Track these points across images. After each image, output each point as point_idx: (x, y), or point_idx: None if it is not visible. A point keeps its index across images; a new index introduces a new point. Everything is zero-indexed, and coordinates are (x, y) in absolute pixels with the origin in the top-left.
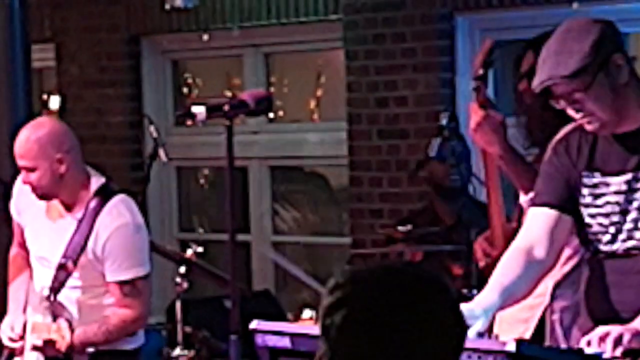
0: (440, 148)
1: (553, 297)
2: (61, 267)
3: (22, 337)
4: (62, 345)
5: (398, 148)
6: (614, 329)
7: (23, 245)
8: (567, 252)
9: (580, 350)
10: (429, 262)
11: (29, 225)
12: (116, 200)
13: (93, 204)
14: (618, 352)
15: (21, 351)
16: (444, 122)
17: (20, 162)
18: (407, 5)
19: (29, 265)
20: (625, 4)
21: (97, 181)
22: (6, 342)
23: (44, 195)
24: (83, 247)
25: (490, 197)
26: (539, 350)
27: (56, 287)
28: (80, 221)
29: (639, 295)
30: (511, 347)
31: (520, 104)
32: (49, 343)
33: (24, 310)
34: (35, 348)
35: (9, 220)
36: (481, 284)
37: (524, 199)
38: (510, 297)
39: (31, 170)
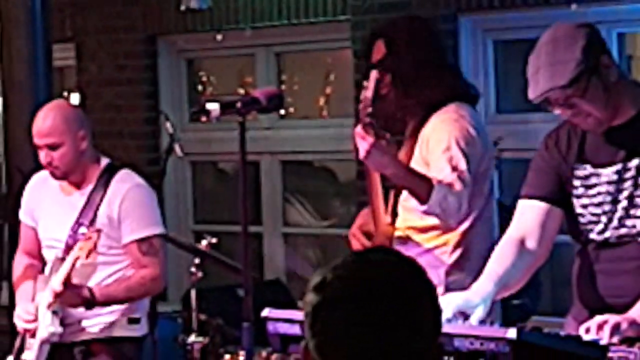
0: None
1: (447, 287)
2: (74, 231)
3: (36, 319)
4: (90, 245)
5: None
6: (612, 318)
7: (30, 253)
8: (455, 239)
9: (579, 337)
10: None
11: (42, 217)
12: (122, 172)
13: (101, 181)
14: (615, 339)
15: (33, 333)
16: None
17: (46, 140)
18: (412, 7)
19: (35, 272)
20: (622, 5)
21: (104, 161)
22: (21, 326)
23: (63, 174)
24: (95, 214)
25: (373, 204)
26: (538, 336)
27: (71, 246)
28: (91, 193)
29: (631, 282)
30: (512, 334)
31: (374, 93)
32: (69, 287)
33: (33, 299)
34: (53, 303)
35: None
36: None
37: (420, 207)
38: (505, 286)
39: (56, 147)
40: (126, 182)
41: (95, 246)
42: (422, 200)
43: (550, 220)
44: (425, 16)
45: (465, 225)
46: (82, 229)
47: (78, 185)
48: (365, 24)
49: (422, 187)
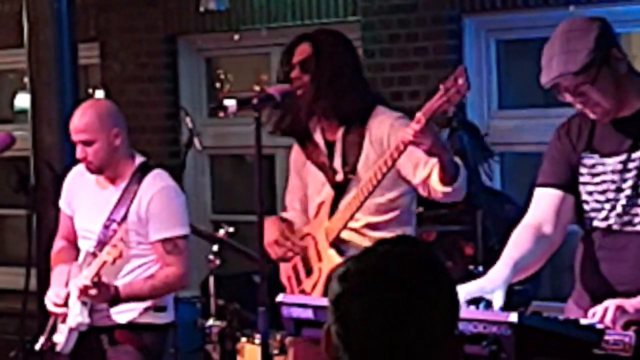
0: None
1: None
2: (107, 227)
3: (65, 304)
4: (116, 254)
5: None
6: (617, 302)
7: (67, 238)
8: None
9: (577, 321)
10: (443, 242)
11: (79, 209)
12: (154, 172)
13: (135, 179)
14: (620, 323)
15: (64, 319)
16: (451, 114)
17: (81, 137)
18: (419, 8)
19: (73, 257)
20: (619, 6)
21: (139, 159)
22: (51, 308)
23: (97, 169)
24: (127, 212)
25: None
26: (538, 320)
27: (102, 242)
28: (124, 190)
29: (633, 270)
30: (513, 318)
31: (292, 92)
32: (98, 285)
33: (66, 285)
34: (82, 295)
35: (58, 204)
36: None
37: (446, 189)
38: (521, 270)
39: (90, 143)
40: (157, 183)
41: (121, 255)
42: (448, 181)
43: (565, 207)
44: (431, 17)
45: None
46: (114, 225)
47: (113, 181)
48: (374, 24)
49: (452, 167)
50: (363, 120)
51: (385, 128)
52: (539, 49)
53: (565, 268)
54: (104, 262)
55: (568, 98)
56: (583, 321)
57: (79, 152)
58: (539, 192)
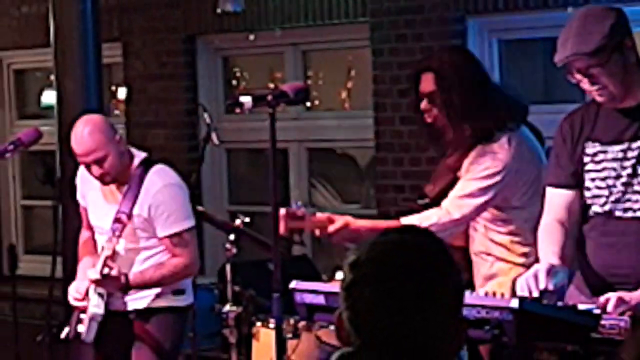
0: None
1: None
2: (117, 220)
3: (84, 298)
4: (110, 249)
5: (417, 132)
6: (619, 294)
7: (90, 228)
8: None
9: (574, 307)
10: None
11: (90, 205)
12: (156, 167)
13: (137, 172)
14: (619, 310)
15: (85, 310)
16: None
17: (93, 156)
18: (425, 10)
19: (95, 249)
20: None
21: (139, 156)
22: (72, 302)
23: (113, 179)
24: (132, 207)
25: None
26: (538, 306)
27: (112, 238)
28: (129, 186)
29: (632, 255)
30: (515, 303)
31: (420, 121)
32: (107, 277)
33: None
34: (97, 286)
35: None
36: None
37: None
38: (564, 260)
39: (104, 159)
40: (157, 182)
41: (113, 250)
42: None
43: (574, 203)
44: (436, 18)
45: None
46: (123, 218)
47: (120, 182)
48: (383, 25)
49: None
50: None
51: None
52: (539, 48)
53: None
54: (107, 257)
55: (578, 78)
56: (581, 307)
57: (95, 171)
58: (550, 192)
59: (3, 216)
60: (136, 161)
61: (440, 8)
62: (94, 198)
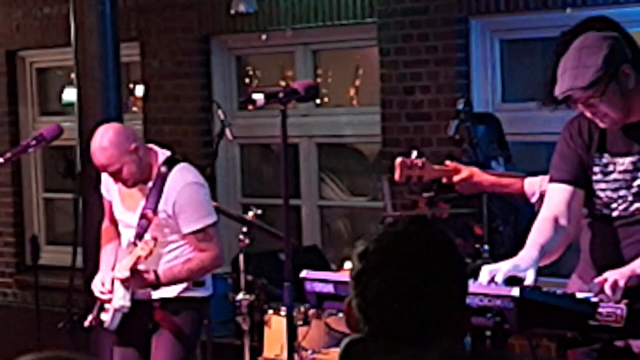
0: (457, 130)
1: None
2: (143, 217)
3: (110, 291)
4: (147, 250)
5: (422, 128)
6: (611, 275)
7: (112, 220)
8: None
9: (573, 295)
10: (456, 222)
11: (115, 200)
12: (179, 166)
13: (162, 170)
14: (617, 296)
15: (109, 300)
16: (460, 106)
17: (109, 169)
18: (430, 11)
19: (117, 236)
20: (613, 9)
21: (163, 154)
22: (97, 295)
23: (134, 183)
24: (156, 204)
25: None
26: (538, 294)
27: (140, 233)
28: (153, 184)
29: (634, 253)
30: (516, 292)
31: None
32: (136, 273)
33: (113, 268)
34: (124, 282)
35: (101, 196)
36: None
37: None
38: (546, 254)
39: (119, 171)
40: (180, 181)
41: (151, 252)
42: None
43: (575, 200)
44: (441, 18)
45: None
46: (149, 214)
47: (145, 182)
48: (390, 25)
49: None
50: None
51: None
52: (539, 47)
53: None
54: (139, 257)
55: (580, 108)
56: (579, 295)
57: (115, 179)
58: (552, 187)
59: (26, 208)
60: (160, 159)
61: (445, 9)
62: (120, 193)
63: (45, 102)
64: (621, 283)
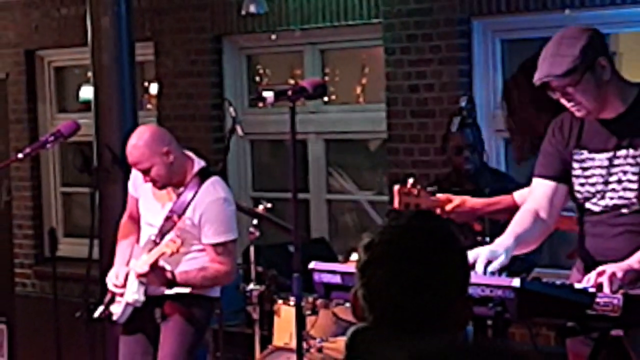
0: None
1: None
2: (168, 218)
3: (123, 285)
4: (174, 248)
5: (426, 125)
6: (609, 268)
7: (132, 216)
8: None
9: (571, 285)
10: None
11: (142, 197)
12: (212, 180)
13: (194, 182)
14: (615, 287)
15: (122, 294)
16: (462, 104)
17: (139, 167)
18: (434, 12)
19: (135, 232)
20: (609, 10)
21: (198, 164)
22: (111, 288)
23: (163, 185)
24: (184, 210)
25: None
26: (538, 285)
27: (163, 233)
28: (182, 192)
29: (619, 244)
30: (516, 283)
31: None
32: (155, 269)
33: (128, 263)
34: (142, 276)
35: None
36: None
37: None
38: (522, 243)
39: (148, 170)
40: (211, 194)
41: (177, 250)
42: None
43: (557, 196)
44: (444, 19)
45: None
46: (174, 217)
47: (176, 187)
48: (395, 25)
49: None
50: None
51: None
52: (539, 47)
53: (562, 240)
54: (163, 253)
55: (557, 96)
56: (577, 285)
57: (144, 177)
58: (535, 182)
59: (44, 202)
60: (196, 168)
61: (448, 10)
62: (147, 193)
63: (62, 99)
64: (619, 275)
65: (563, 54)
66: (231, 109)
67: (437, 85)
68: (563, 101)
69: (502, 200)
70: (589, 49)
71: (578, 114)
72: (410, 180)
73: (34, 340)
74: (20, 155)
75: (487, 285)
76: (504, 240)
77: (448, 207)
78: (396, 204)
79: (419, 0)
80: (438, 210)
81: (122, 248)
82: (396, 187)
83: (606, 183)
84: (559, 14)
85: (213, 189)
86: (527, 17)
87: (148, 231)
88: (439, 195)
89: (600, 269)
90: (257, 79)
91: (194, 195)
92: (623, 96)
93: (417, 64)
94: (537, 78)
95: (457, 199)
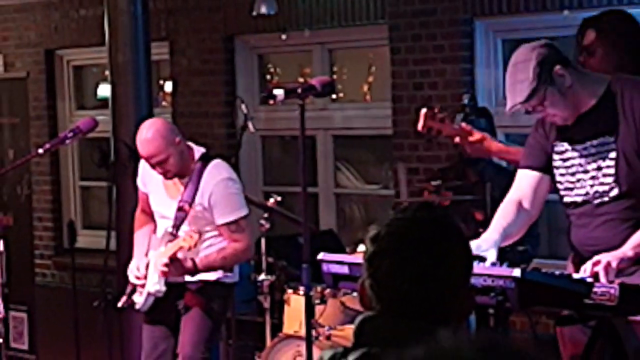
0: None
1: None
2: (180, 209)
3: (145, 276)
4: (191, 243)
5: None
6: (604, 258)
7: (144, 210)
8: None
9: (570, 275)
10: (458, 209)
11: (152, 193)
12: (214, 162)
13: (197, 167)
14: (611, 277)
15: (143, 284)
16: (465, 101)
17: (155, 160)
18: (438, 13)
19: (149, 222)
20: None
21: (198, 151)
22: (132, 280)
23: (175, 175)
24: (193, 198)
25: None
26: (538, 275)
27: (177, 224)
28: (189, 181)
29: (603, 233)
30: (517, 273)
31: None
32: (175, 261)
33: (147, 254)
34: (165, 273)
35: (133, 177)
36: None
37: None
38: (507, 236)
39: (165, 161)
40: (215, 176)
41: (195, 244)
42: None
43: (541, 186)
44: (448, 20)
45: None
46: (186, 207)
47: (181, 176)
48: (400, 26)
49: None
50: None
51: None
52: None
53: (560, 232)
54: (181, 247)
55: (534, 113)
56: (575, 275)
57: (158, 170)
58: (520, 173)
59: (63, 195)
60: (196, 156)
61: (451, 11)
62: (156, 187)
63: (81, 97)
64: (614, 264)
65: (520, 80)
66: (243, 106)
67: (440, 83)
68: (540, 115)
69: (517, 152)
70: (542, 66)
71: (559, 123)
72: (439, 107)
73: (53, 329)
74: (40, 151)
75: (489, 276)
76: (490, 235)
77: (470, 139)
78: (420, 127)
79: (424, 1)
80: (457, 139)
81: (139, 239)
82: (423, 110)
83: (585, 172)
84: (558, 14)
85: (216, 171)
86: (527, 17)
87: (163, 224)
88: (463, 125)
89: (595, 258)
90: (268, 77)
91: (199, 181)
92: (592, 90)
93: (421, 62)
94: (507, 108)
95: (477, 134)
